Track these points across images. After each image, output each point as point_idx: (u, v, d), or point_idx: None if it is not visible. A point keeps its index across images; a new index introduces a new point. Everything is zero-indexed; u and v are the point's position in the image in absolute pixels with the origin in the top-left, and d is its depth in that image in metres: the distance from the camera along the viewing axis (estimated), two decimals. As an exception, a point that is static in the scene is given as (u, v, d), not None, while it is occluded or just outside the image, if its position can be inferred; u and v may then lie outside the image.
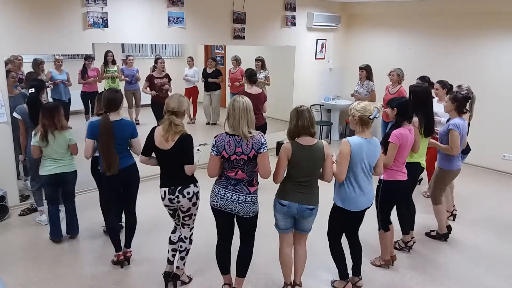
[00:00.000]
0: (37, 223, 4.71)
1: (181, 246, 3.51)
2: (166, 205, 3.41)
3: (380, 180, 3.76)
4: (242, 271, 3.34)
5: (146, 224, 4.53)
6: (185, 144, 3.21)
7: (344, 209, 3.31)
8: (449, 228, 4.58)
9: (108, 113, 3.60)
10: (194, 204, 3.36)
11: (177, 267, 3.58)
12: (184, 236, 3.51)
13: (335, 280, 3.67)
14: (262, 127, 5.57)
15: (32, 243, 4.32)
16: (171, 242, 3.57)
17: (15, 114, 4.51)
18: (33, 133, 4.09)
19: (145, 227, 4.47)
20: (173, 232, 3.59)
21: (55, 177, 4.15)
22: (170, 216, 3.53)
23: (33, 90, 4.41)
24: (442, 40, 7.28)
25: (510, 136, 6.76)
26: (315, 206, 3.21)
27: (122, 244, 3.90)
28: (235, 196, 3.08)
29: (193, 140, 3.28)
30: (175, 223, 3.57)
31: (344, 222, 3.46)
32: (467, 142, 4.67)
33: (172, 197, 3.28)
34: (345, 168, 3.19)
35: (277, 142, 7.47)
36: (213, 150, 3.04)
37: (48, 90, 5.87)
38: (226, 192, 3.10)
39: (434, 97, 5.36)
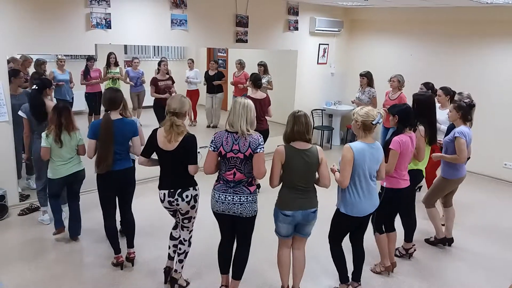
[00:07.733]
0: (38, 222, 4.68)
1: (179, 249, 3.51)
2: (165, 207, 3.42)
3: (382, 188, 3.74)
4: (238, 274, 3.36)
5: (145, 226, 4.51)
6: (189, 144, 3.22)
7: (347, 215, 3.29)
8: (451, 240, 4.57)
9: (109, 112, 3.61)
10: (193, 207, 3.37)
11: (175, 271, 3.57)
12: (183, 239, 3.51)
13: (336, 287, 3.65)
14: (264, 132, 5.56)
15: (31, 243, 4.31)
16: (172, 237, 3.59)
17: (20, 113, 4.47)
18: (43, 134, 4.01)
19: (144, 230, 4.45)
20: (175, 228, 3.60)
21: (68, 178, 4.15)
22: (172, 216, 3.54)
23: (35, 87, 4.37)
24: (444, 47, 7.28)
25: None
26: (316, 207, 3.23)
27: (121, 246, 3.89)
28: (236, 198, 3.10)
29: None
30: (176, 221, 3.57)
31: (346, 227, 3.45)
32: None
33: (171, 199, 3.29)
34: (348, 174, 3.17)
35: (278, 146, 7.43)
36: (211, 146, 3.10)
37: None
38: (227, 196, 3.11)
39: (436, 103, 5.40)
